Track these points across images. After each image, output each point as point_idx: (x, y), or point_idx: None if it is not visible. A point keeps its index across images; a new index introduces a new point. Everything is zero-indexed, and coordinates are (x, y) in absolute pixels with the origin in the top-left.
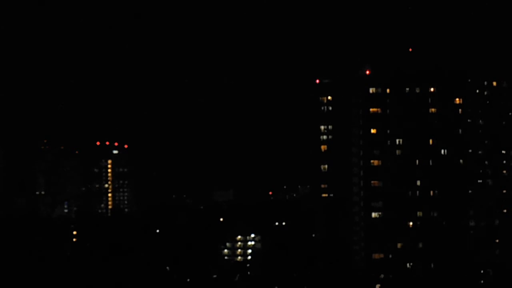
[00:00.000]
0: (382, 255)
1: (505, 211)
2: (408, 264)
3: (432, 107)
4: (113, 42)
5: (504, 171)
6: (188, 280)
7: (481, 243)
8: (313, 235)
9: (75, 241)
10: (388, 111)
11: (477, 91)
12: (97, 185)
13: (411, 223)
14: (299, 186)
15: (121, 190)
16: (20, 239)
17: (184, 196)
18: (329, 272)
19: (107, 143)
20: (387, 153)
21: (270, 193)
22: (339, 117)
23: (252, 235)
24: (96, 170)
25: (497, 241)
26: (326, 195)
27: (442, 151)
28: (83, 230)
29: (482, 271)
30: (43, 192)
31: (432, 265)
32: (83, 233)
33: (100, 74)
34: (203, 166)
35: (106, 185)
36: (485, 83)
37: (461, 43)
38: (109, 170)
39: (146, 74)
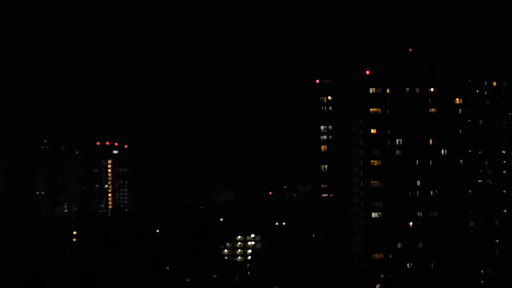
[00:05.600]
0: (382, 255)
1: (505, 211)
2: (408, 264)
3: (432, 107)
4: (113, 42)
5: (504, 171)
6: (188, 280)
7: (481, 243)
8: (313, 235)
9: (75, 241)
10: (388, 111)
11: (477, 91)
12: (97, 185)
13: (411, 223)
14: (299, 186)
15: (121, 190)
16: (20, 239)
17: (184, 196)
18: (329, 272)
19: (107, 143)
20: (387, 153)
21: (270, 193)
22: (339, 117)
23: (252, 235)
24: (96, 170)
25: (497, 241)
26: (326, 195)
27: (442, 151)
28: (83, 230)
29: (482, 271)
30: (43, 192)
31: (432, 265)
32: (83, 233)
33: (100, 74)
34: (203, 166)
35: (106, 185)
36: (485, 83)
37: (461, 43)
38: (109, 170)
39: (146, 74)
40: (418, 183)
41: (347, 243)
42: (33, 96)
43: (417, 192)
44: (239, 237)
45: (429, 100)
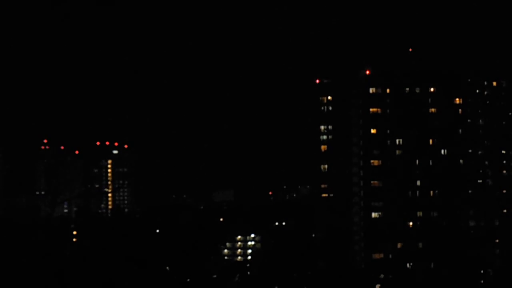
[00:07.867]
0: (382, 255)
1: (505, 211)
2: (408, 264)
3: (432, 107)
4: (113, 42)
5: (504, 171)
6: (188, 280)
7: (481, 243)
8: (313, 235)
9: (75, 241)
10: (388, 111)
11: (477, 91)
12: (97, 185)
13: (411, 223)
14: (299, 186)
15: (121, 190)
16: (20, 239)
17: (184, 196)
18: (329, 272)
19: (107, 143)
20: (387, 153)
21: (270, 193)
22: (339, 117)
23: (252, 235)
24: (96, 170)
25: (497, 241)
26: (326, 195)
27: (442, 151)
28: (83, 230)
29: (482, 271)
30: (43, 192)
31: (432, 265)
32: (83, 233)
33: (100, 74)
34: (203, 166)
35: (106, 186)
36: (485, 83)
37: (461, 43)
38: (109, 170)
39: (147, 74)
40: (418, 183)
41: (347, 243)
42: (34, 95)
43: (417, 192)
44: (239, 237)
45: (429, 100)
